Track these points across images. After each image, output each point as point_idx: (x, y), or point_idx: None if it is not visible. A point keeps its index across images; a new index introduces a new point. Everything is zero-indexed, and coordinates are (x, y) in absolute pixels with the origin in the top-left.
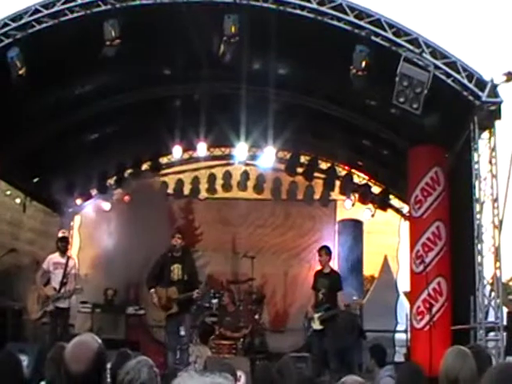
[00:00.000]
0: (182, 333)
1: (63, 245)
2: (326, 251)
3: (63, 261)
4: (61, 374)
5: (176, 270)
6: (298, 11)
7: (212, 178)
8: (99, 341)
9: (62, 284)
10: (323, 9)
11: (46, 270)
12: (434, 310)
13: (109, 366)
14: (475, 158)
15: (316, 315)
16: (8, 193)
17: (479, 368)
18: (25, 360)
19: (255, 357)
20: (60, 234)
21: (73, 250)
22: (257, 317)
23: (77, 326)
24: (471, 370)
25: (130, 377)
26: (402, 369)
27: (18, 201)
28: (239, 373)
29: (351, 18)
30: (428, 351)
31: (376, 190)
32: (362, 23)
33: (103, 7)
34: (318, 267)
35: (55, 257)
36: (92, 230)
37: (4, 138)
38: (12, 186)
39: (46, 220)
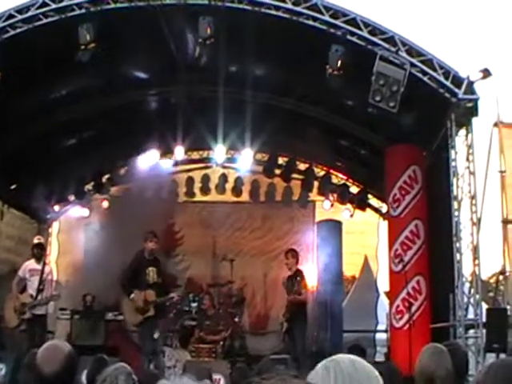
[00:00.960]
0: (156, 336)
1: (38, 251)
2: (291, 254)
3: (39, 267)
4: (35, 379)
5: (151, 273)
6: (273, 12)
7: (190, 182)
8: (70, 346)
9: (39, 291)
10: (298, 9)
11: (22, 277)
12: (414, 308)
13: (85, 372)
14: (452, 156)
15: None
16: None
17: (456, 365)
18: (2, 368)
19: (235, 360)
20: (35, 241)
21: (51, 257)
22: (237, 319)
23: (56, 333)
24: (447, 368)
25: None
26: (377, 369)
27: None
28: (218, 376)
29: (327, 18)
30: (408, 350)
31: (354, 189)
32: (337, 22)
33: (78, 11)
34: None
35: (31, 263)
36: (70, 236)
37: None
38: None
39: (23, 227)
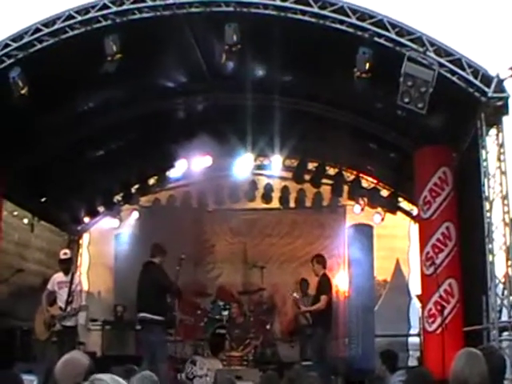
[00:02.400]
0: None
1: (65, 266)
2: (316, 260)
3: (67, 279)
4: None
5: None
6: (299, 16)
7: (219, 190)
8: (88, 358)
9: (68, 302)
10: (325, 12)
11: (50, 290)
12: (446, 312)
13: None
14: (483, 156)
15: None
16: (15, 213)
17: (492, 369)
18: (34, 380)
19: (266, 367)
20: (62, 256)
21: (82, 268)
22: (268, 327)
23: (87, 344)
24: (482, 373)
25: None
26: (409, 374)
27: (25, 221)
28: None
29: (353, 20)
30: (441, 354)
31: (385, 193)
32: (364, 25)
33: (103, 23)
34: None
35: (59, 276)
36: (101, 247)
37: (9, 158)
38: (19, 206)
39: (53, 239)
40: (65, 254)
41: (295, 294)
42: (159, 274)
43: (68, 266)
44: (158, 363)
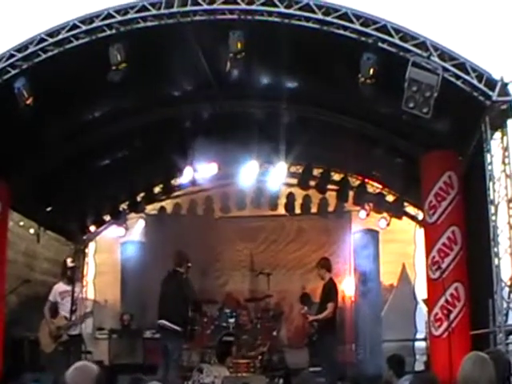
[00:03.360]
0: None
1: (70, 275)
2: (320, 264)
3: (69, 288)
4: None
5: None
6: (303, 23)
7: (225, 197)
8: (98, 367)
9: (72, 311)
10: (329, 19)
11: (53, 301)
12: (452, 316)
13: None
14: (488, 159)
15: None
16: (21, 223)
17: (498, 373)
18: None
19: (274, 374)
20: (70, 264)
21: (88, 277)
22: (275, 334)
23: (95, 353)
24: (490, 377)
25: None
26: (416, 379)
27: (31, 231)
28: None
29: (357, 26)
30: (448, 358)
31: (390, 198)
32: (368, 30)
33: (108, 32)
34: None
35: (60, 286)
36: (107, 255)
37: (14, 169)
38: (25, 216)
39: (59, 248)
40: (72, 261)
41: (306, 309)
42: (185, 283)
43: (72, 275)
44: (171, 371)
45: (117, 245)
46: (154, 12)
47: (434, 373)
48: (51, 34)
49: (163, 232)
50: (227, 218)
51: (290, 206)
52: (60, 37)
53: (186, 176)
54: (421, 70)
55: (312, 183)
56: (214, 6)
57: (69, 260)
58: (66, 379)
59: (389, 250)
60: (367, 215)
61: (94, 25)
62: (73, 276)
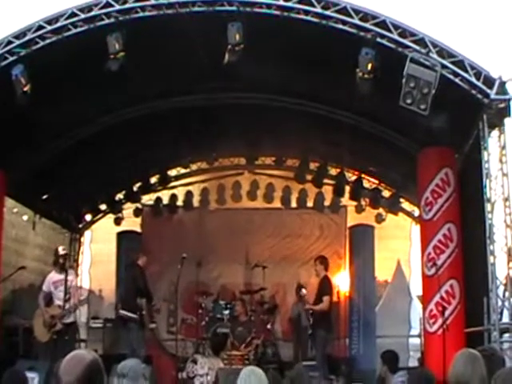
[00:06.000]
0: None
1: (62, 262)
2: (320, 260)
3: (62, 277)
4: None
5: None
6: (302, 16)
7: (221, 189)
8: (95, 355)
9: (66, 300)
10: (328, 12)
11: (47, 292)
12: (447, 313)
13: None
14: (485, 157)
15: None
16: (15, 210)
17: (491, 371)
18: (35, 378)
19: (268, 367)
20: (61, 252)
21: (84, 266)
22: (269, 326)
23: (89, 342)
24: (481, 375)
25: None
26: (412, 375)
27: (25, 218)
28: None
29: (356, 21)
30: (442, 355)
31: (386, 194)
32: (367, 25)
33: (106, 21)
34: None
35: (53, 276)
36: (102, 245)
37: (11, 156)
38: (21, 203)
39: (54, 236)
40: (64, 249)
41: (304, 291)
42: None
43: (64, 262)
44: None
45: (112, 234)
46: (152, 2)
47: (429, 369)
48: (49, 21)
49: (159, 222)
50: (223, 210)
51: (285, 199)
52: (58, 24)
53: (182, 167)
54: (419, 66)
55: (308, 177)
56: None
57: (60, 248)
58: (60, 368)
59: (384, 246)
60: (363, 210)
61: (92, 13)
62: (64, 264)
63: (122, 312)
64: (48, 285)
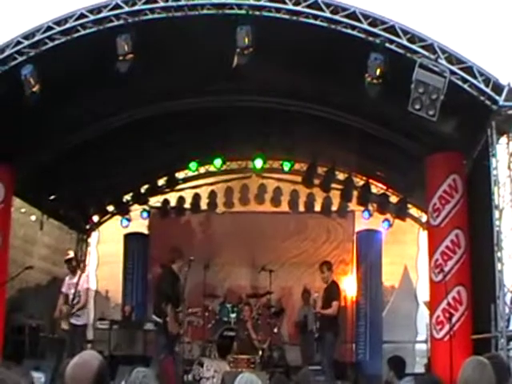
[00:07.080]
0: None
1: (71, 265)
2: (326, 267)
3: (75, 280)
4: None
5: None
6: (311, 20)
7: (229, 192)
8: (100, 359)
9: (74, 304)
10: (337, 17)
11: (64, 293)
12: (454, 319)
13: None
14: (493, 164)
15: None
16: (23, 210)
17: (498, 378)
18: (41, 377)
19: (274, 370)
20: (66, 257)
21: (90, 267)
22: (275, 330)
23: (95, 343)
24: (490, 383)
25: None
26: (419, 381)
27: (33, 218)
28: None
29: (365, 26)
30: (448, 361)
31: (394, 199)
32: (376, 30)
33: (116, 22)
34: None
35: (69, 278)
36: (110, 246)
37: (19, 156)
38: (28, 203)
39: (61, 237)
40: (69, 253)
41: (316, 295)
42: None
43: (74, 266)
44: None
45: (119, 236)
46: (161, 4)
47: (437, 375)
48: (59, 22)
49: (166, 224)
50: (230, 213)
51: (293, 203)
52: (67, 25)
53: (190, 169)
54: (428, 72)
55: (316, 181)
56: (223, 0)
57: (69, 252)
58: (66, 373)
59: (391, 252)
60: (371, 215)
61: (101, 15)
62: (74, 266)
63: (153, 317)
64: (66, 287)
